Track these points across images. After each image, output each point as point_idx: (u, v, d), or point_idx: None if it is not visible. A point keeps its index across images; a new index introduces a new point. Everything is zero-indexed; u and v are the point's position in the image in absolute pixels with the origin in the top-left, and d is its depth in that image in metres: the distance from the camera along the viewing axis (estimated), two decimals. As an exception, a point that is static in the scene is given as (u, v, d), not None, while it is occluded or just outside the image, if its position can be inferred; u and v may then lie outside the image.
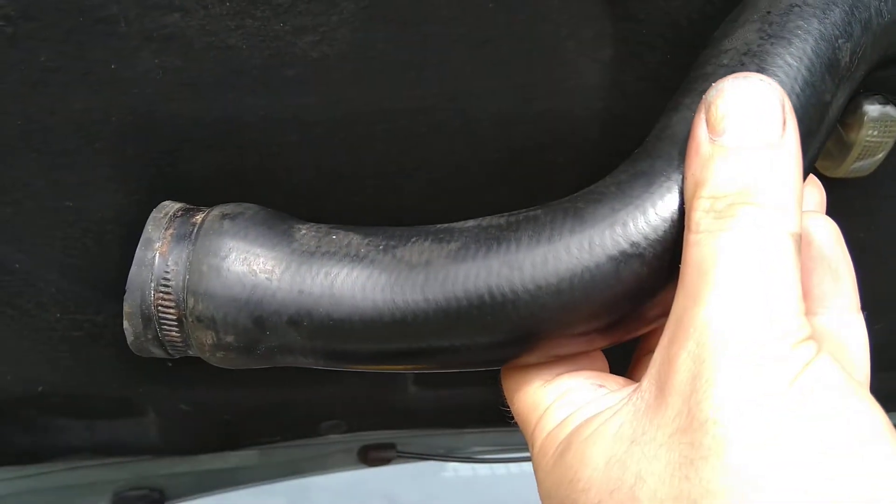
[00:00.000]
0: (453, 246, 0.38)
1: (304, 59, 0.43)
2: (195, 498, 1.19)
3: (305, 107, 0.46)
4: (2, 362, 0.67)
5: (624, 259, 0.34)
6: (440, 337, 0.38)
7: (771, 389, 0.28)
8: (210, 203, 0.51)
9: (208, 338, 0.40)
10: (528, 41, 0.45)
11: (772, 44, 0.36)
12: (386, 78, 0.45)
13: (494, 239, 0.37)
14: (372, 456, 1.22)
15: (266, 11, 0.41)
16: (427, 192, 0.54)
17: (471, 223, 0.39)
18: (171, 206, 0.43)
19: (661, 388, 0.31)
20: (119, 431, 0.85)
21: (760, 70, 0.35)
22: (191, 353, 0.42)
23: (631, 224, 0.34)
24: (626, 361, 0.45)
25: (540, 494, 0.37)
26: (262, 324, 0.39)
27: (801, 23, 0.36)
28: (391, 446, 1.21)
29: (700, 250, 0.31)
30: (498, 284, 0.36)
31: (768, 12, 0.37)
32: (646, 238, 0.34)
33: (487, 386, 0.91)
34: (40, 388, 0.72)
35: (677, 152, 0.35)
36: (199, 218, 0.42)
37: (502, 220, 0.38)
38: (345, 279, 0.38)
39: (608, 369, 0.42)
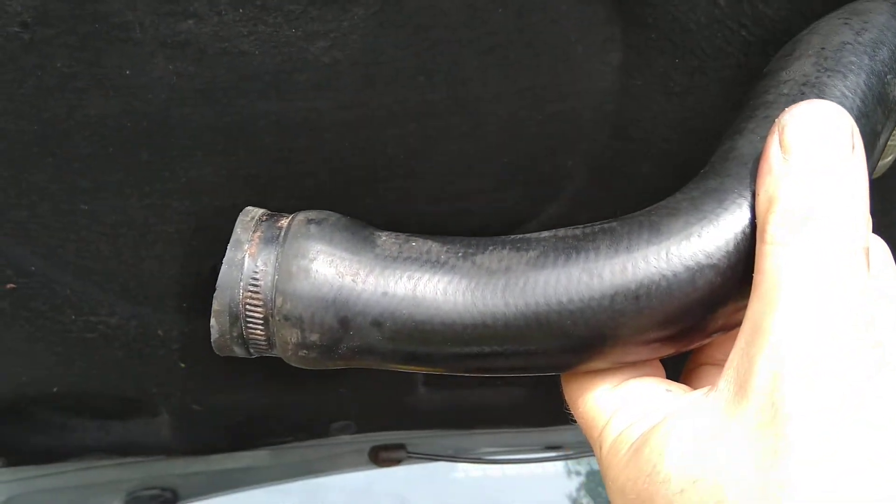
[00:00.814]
0: (532, 254, 0.39)
1: (315, 64, 0.44)
2: (208, 497, 1.20)
3: (317, 111, 0.46)
4: (17, 363, 0.68)
5: (699, 269, 0.36)
6: (518, 340, 0.39)
7: (834, 398, 0.30)
8: (222, 206, 0.52)
9: (293, 336, 0.41)
10: (537, 46, 0.46)
11: (829, 76, 0.38)
12: (396, 82, 0.46)
13: (573, 248, 0.39)
14: (382, 456, 1.22)
15: (278, 18, 0.41)
16: (437, 195, 0.54)
17: (545, 234, 0.41)
18: (255, 211, 0.45)
19: (742, 386, 0.33)
20: (132, 431, 0.86)
21: (820, 99, 0.37)
22: (271, 352, 0.44)
23: (706, 236, 0.37)
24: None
25: (611, 491, 0.38)
26: (346, 324, 0.40)
27: (853, 59, 0.39)
28: (401, 447, 1.22)
29: (774, 260, 0.33)
30: (578, 290, 0.38)
31: (822, 48, 0.40)
32: (719, 249, 0.36)
33: (496, 388, 0.92)
34: (55, 389, 0.72)
35: (746, 171, 0.37)
36: (283, 223, 0.44)
37: (578, 232, 0.40)
38: (427, 283, 0.40)
39: (665, 376, 0.43)
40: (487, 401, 0.94)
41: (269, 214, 0.44)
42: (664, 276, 0.37)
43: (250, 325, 0.42)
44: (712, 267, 0.36)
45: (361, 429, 0.96)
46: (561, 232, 0.41)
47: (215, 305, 0.42)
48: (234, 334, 0.42)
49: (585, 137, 0.52)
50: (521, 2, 0.43)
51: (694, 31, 0.45)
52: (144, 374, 0.71)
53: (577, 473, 2.48)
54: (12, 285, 0.56)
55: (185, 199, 0.51)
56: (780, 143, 0.35)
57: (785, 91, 0.39)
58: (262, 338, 0.42)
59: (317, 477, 1.27)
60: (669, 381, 0.42)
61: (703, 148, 0.52)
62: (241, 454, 1.09)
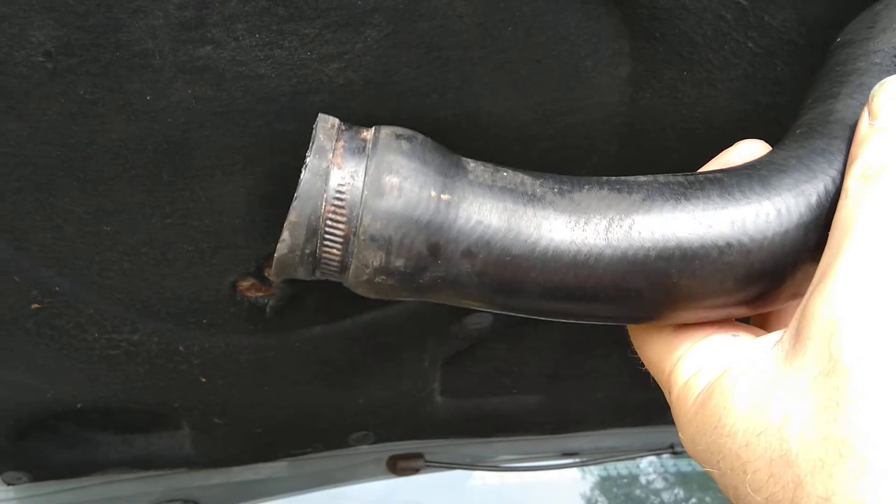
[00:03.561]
0: (636, 196, 0.38)
1: (330, 85, 0.44)
2: (229, 509, 1.21)
3: None
4: (43, 380, 0.69)
5: (814, 227, 0.36)
6: (615, 284, 0.38)
7: (893, 345, 0.30)
8: (241, 224, 0.53)
9: (376, 259, 0.37)
10: (547, 61, 0.46)
11: None
12: (409, 101, 0.47)
13: (681, 195, 0.38)
14: (400, 465, 1.23)
15: (293, 41, 0.42)
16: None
17: (643, 178, 0.40)
18: (333, 119, 0.40)
19: (800, 334, 0.33)
20: (155, 445, 0.87)
21: None
22: (338, 277, 0.40)
23: (815, 196, 0.36)
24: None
25: (682, 439, 0.38)
26: (436, 250, 0.37)
27: None
28: (419, 456, 1.22)
29: (846, 212, 0.33)
30: (688, 238, 0.37)
31: None
32: (830, 210, 0.36)
33: (512, 395, 0.92)
34: (79, 405, 0.74)
35: (851, 135, 0.38)
36: (367, 134, 0.40)
37: (681, 178, 0.39)
38: (523, 215, 0.38)
39: (734, 319, 0.43)
40: (504, 409, 0.95)
41: (346, 125, 0.40)
42: (777, 232, 0.36)
43: (327, 242, 0.37)
44: (825, 226, 0.36)
45: (379, 438, 0.97)
46: (662, 178, 0.39)
47: (292, 216, 0.37)
48: (306, 251, 0.38)
49: (596, 150, 0.53)
50: (530, 19, 0.44)
51: (701, 43, 0.46)
52: (166, 389, 0.72)
53: (593, 479, 2.48)
54: (37, 305, 0.58)
55: (204, 218, 0.52)
56: (868, 111, 0.36)
57: (877, 61, 0.40)
58: (336, 258, 0.38)
59: (336, 487, 1.28)
60: (736, 323, 0.41)
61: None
62: (262, 465, 1.10)
